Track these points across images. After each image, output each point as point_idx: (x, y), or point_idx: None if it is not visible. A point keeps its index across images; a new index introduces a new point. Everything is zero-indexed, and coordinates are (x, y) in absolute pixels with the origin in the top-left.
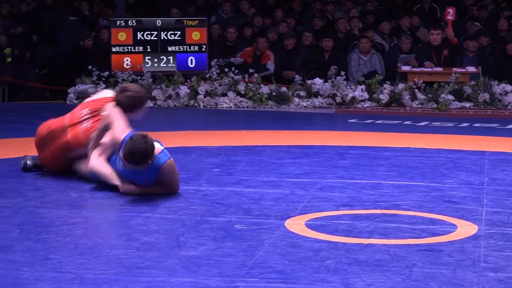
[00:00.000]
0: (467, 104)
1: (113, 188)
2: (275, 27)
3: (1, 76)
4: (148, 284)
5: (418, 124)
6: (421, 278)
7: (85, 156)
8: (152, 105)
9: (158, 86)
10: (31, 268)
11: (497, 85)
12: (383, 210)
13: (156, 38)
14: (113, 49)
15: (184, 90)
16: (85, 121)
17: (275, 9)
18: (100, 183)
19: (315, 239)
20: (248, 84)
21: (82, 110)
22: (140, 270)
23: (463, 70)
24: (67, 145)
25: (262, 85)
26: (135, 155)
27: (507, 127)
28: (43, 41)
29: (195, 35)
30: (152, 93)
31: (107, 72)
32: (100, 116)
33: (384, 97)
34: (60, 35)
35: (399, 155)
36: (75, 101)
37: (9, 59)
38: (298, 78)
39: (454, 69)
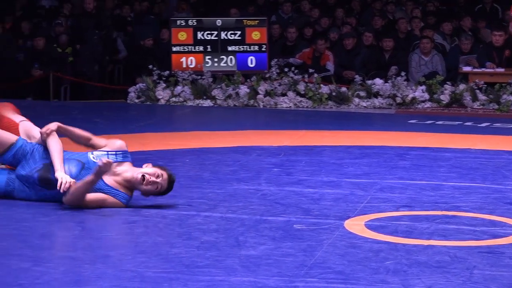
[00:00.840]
0: None
1: (174, 187)
2: (336, 27)
3: (63, 75)
4: (207, 283)
5: (479, 125)
6: (482, 280)
7: None
8: (212, 104)
9: (218, 86)
10: (92, 266)
11: None
12: (443, 212)
13: (216, 38)
14: (173, 49)
15: (244, 89)
16: None
17: (335, 8)
18: None
19: (375, 240)
20: (308, 84)
21: None
22: (200, 269)
23: None
24: None
25: (322, 85)
26: None
27: None
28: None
29: (255, 35)
30: (212, 93)
31: (167, 72)
32: None
33: (445, 97)
34: (137, 33)
35: (460, 156)
36: (136, 100)
37: (71, 59)
38: (358, 78)
39: None
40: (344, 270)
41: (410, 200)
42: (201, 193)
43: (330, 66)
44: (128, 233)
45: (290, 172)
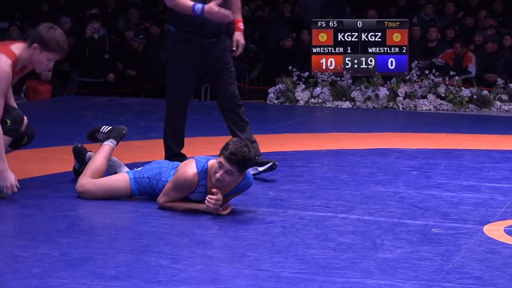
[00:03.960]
0: None
1: (312, 189)
2: (479, 29)
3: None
4: (343, 285)
5: None
6: None
7: None
8: (351, 106)
9: (358, 87)
10: (229, 265)
11: None
12: None
13: (356, 40)
14: (314, 50)
15: (383, 91)
16: None
17: (478, 10)
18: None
19: None
20: (449, 86)
21: None
22: (336, 270)
23: None
24: None
25: (462, 88)
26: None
27: None
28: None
29: (396, 37)
30: (351, 94)
31: (307, 73)
32: None
33: None
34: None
35: None
36: (275, 101)
37: None
38: (500, 81)
39: None
40: (482, 276)
41: None
42: (339, 195)
43: (472, 68)
44: (265, 233)
45: (428, 175)
